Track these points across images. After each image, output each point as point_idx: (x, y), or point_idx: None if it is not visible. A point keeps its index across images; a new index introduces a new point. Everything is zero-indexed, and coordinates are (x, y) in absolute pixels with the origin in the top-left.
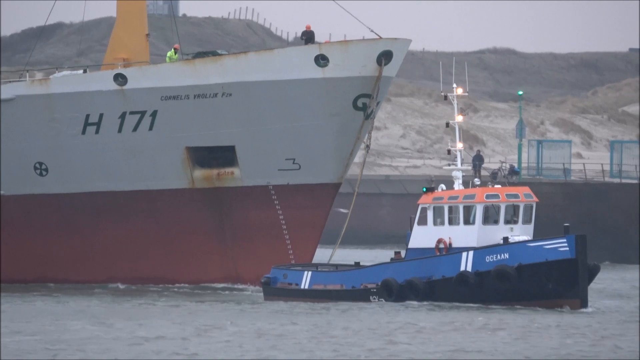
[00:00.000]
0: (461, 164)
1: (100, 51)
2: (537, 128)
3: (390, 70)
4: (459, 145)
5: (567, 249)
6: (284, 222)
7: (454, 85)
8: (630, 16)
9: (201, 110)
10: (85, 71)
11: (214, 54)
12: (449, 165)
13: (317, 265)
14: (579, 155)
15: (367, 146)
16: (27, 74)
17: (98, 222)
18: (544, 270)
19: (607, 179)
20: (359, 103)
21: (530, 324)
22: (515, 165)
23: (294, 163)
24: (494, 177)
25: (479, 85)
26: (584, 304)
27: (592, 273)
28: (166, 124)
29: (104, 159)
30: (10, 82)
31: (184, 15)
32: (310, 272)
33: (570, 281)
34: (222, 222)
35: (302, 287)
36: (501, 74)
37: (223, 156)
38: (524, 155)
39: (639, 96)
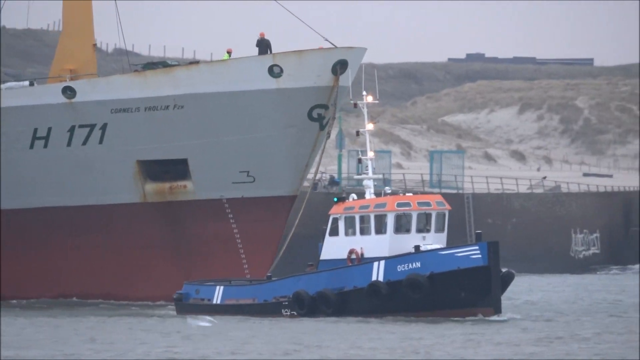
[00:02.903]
0: (373, 172)
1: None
2: (357, 139)
3: (346, 79)
4: (370, 154)
5: (480, 256)
6: (238, 235)
7: (364, 93)
8: (449, 26)
9: (152, 122)
10: (32, 83)
11: (164, 64)
12: (360, 174)
13: (230, 279)
14: (399, 166)
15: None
16: None
17: (48, 238)
18: (457, 278)
19: (426, 189)
20: (314, 114)
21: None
22: (336, 175)
23: (248, 175)
24: (314, 187)
25: None
26: (497, 311)
27: (506, 281)
28: (117, 137)
29: (53, 173)
30: None
31: (4, 27)
32: (222, 287)
33: (483, 289)
34: (176, 237)
35: (214, 302)
36: None
37: (175, 169)
38: (344, 166)
39: (457, 106)
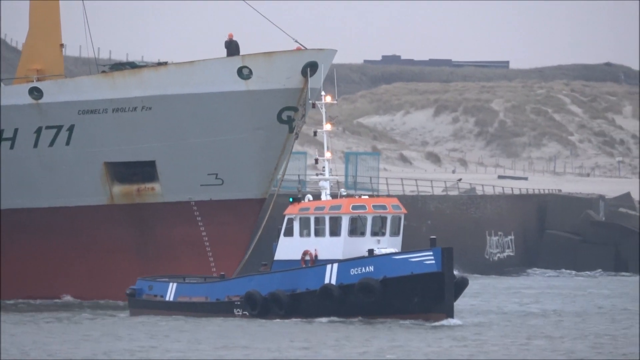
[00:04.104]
0: (329, 173)
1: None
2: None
3: (316, 81)
4: (327, 154)
5: (434, 262)
6: (206, 238)
7: (323, 94)
8: (365, 28)
9: (120, 124)
10: None
11: (133, 65)
12: (317, 175)
13: (184, 276)
14: (315, 167)
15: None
16: None
17: (14, 240)
18: (410, 283)
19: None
20: (284, 116)
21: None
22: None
23: (216, 178)
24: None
25: None
26: (449, 317)
27: (460, 287)
28: (84, 138)
29: (19, 174)
30: None
31: None
32: (175, 284)
33: (436, 295)
34: (143, 239)
35: (167, 299)
36: None
37: (143, 171)
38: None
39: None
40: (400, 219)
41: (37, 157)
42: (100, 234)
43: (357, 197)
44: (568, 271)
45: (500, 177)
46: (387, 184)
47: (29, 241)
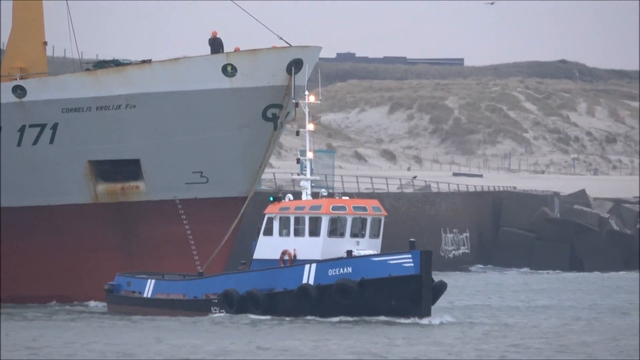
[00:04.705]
0: (311, 173)
1: None
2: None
3: (301, 79)
4: (309, 154)
5: (412, 264)
6: (191, 237)
7: (306, 93)
8: (319, 26)
9: (104, 122)
10: None
11: (116, 63)
12: (298, 174)
13: (163, 273)
14: (269, 165)
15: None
16: None
17: None
18: (388, 285)
19: (297, 188)
20: (269, 114)
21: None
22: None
23: (201, 176)
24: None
25: None
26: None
27: (439, 290)
28: (68, 136)
29: (3, 173)
30: None
31: None
32: (153, 281)
33: (413, 298)
34: (128, 238)
35: (145, 295)
36: None
37: (127, 170)
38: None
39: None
40: (380, 220)
41: (21, 155)
42: (85, 233)
43: (337, 197)
44: (523, 269)
45: (455, 174)
46: (342, 181)
47: (12, 241)
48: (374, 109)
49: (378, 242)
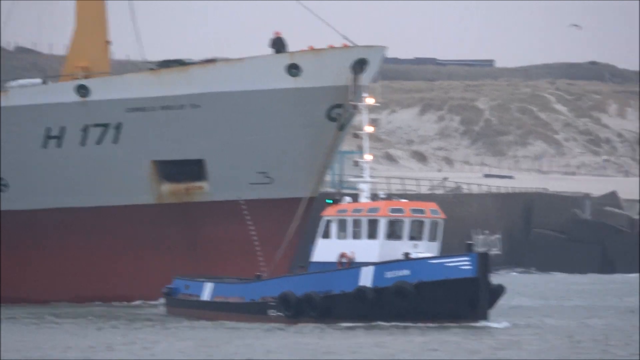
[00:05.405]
0: (369, 176)
1: None
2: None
3: (365, 78)
4: (367, 157)
5: (470, 267)
6: (256, 237)
7: (364, 95)
8: (349, 26)
9: (168, 122)
10: (44, 81)
11: (181, 63)
12: (356, 177)
13: (222, 277)
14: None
15: None
16: None
17: (61, 240)
18: (445, 288)
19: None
20: (333, 114)
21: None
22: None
23: (265, 177)
24: None
25: None
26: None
27: (496, 294)
28: (131, 136)
29: (66, 173)
30: None
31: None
32: (211, 284)
33: (471, 301)
34: (192, 239)
35: (203, 298)
36: None
37: (191, 170)
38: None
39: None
40: (437, 223)
41: (85, 155)
42: (149, 234)
43: (395, 200)
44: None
45: (486, 175)
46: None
47: (76, 241)
48: (404, 110)
49: (436, 245)
